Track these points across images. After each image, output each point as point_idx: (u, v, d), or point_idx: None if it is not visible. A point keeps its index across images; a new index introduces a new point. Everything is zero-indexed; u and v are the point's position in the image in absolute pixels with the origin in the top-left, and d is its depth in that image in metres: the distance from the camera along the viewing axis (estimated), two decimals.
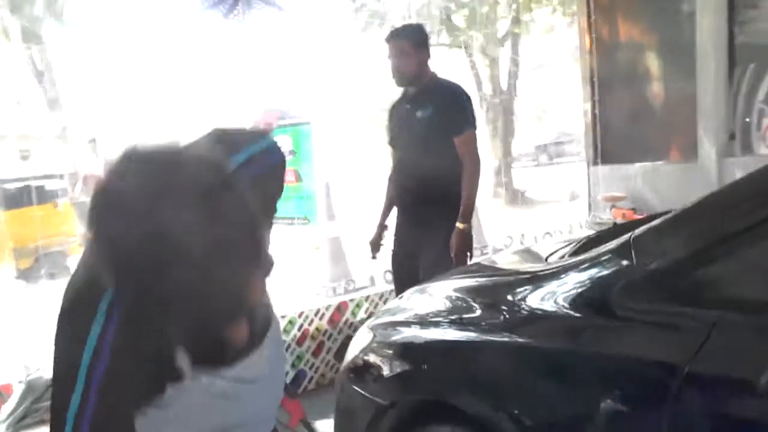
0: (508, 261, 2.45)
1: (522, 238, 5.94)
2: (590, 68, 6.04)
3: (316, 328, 3.96)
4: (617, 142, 6.00)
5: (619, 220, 5.31)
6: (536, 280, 1.65)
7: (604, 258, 1.50)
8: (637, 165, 5.70)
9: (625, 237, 1.46)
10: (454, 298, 1.87)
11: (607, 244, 1.54)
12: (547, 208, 10.19)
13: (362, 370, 1.98)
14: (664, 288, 1.34)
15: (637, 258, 1.39)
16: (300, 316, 4.03)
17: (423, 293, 2.07)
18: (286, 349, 4.07)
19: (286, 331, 4.03)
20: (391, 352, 1.91)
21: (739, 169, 4.93)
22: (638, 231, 1.45)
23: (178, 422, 1.18)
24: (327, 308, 4.15)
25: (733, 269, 1.30)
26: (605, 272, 1.46)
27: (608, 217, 5.62)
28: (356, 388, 1.97)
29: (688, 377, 1.18)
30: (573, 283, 1.52)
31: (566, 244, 2.12)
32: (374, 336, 1.98)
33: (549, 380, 1.44)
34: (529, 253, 2.46)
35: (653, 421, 1.21)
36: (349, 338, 4.13)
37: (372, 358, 1.94)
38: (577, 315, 1.46)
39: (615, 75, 5.96)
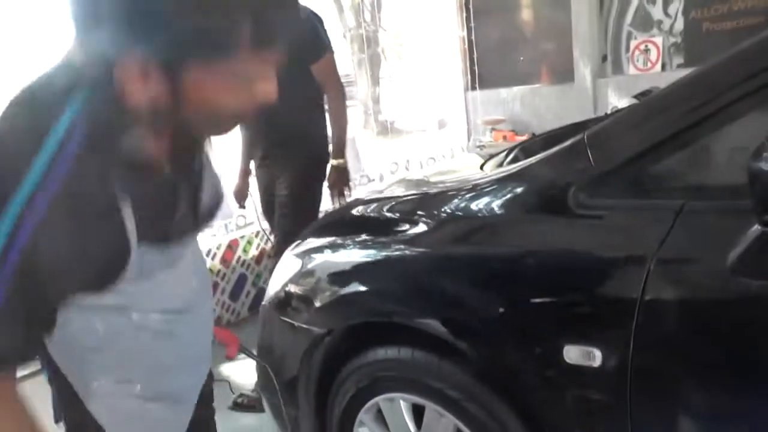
0: (423, 180, 2.40)
1: (407, 164, 5.96)
2: None
3: (210, 269, 3.82)
4: (493, 67, 6.10)
5: (501, 142, 5.45)
6: (480, 188, 1.62)
7: (556, 159, 1.48)
8: (515, 89, 5.84)
9: (578, 137, 1.44)
10: (389, 215, 1.81)
11: (554, 149, 1.52)
12: (418, 136, 10.29)
13: (291, 300, 1.90)
14: (623, 183, 1.34)
15: (593, 156, 1.37)
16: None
17: (354, 212, 1.99)
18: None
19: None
20: (323, 277, 1.83)
21: (611, 88, 5.18)
22: (592, 130, 1.44)
23: (116, 366, 1.13)
24: (218, 247, 4.01)
25: (690, 160, 1.32)
26: (559, 173, 1.44)
27: (489, 140, 5.75)
28: (286, 319, 1.89)
29: (656, 265, 1.20)
30: (525, 187, 1.51)
31: (490, 157, 2.11)
32: (303, 263, 1.88)
33: (508, 286, 1.42)
34: (444, 174, 2.43)
35: (624, 314, 1.22)
36: (243, 277, 4.07)
37: (302, 286, 1.86)
38: (534, 217, 1.44)
39: (489, 2, 6.01)
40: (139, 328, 1.13)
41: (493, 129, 5.82)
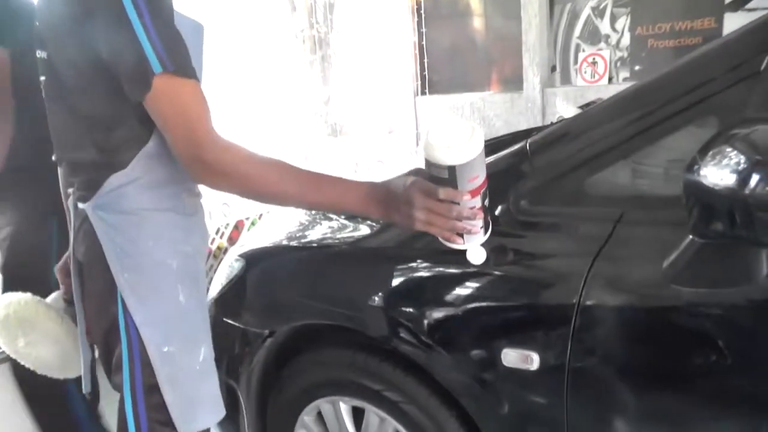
0: None
1: (356, 167, 5.97)
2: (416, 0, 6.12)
3: (218, 247, 3.87)
4: (443, 73, 6.17)
5: None
6: None
7: (498, 166, 1.51)
8: (465, 95, 5.91)
9: (521, 145, 1.48)
10: (334, 216, 1.82)
11: (497, 154, 1.56)
12: (367, 140, 10.29)
13: (233, 301, 1.88)
14: (564, 191, 1.39)
15: (535, 164, 1.41)
16: None
17: (293, 214, 1.99)
18: None
19: None
20: (266, 278, 1.82)
21: (559, 98, 5.30)
22: (534, 138, 1.47)
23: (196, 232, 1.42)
24: (226, 226, 4.03)
25: (630, 170, 1.37)
26: (501, 179, 1.47)
27: None
28: (228, 320, 1.87)
29: (594, 272, 1.24)
30: None
31: None
32: (245, 263, 1.88)
33: (449, 289, 1.44)
34: None
35: (563, 319, 1.26)
36: None
37: (245, 286, 1.85)
38: None
39: (441, 8, 6.08)
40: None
41: None
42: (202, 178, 1.23)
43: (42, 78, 1.35)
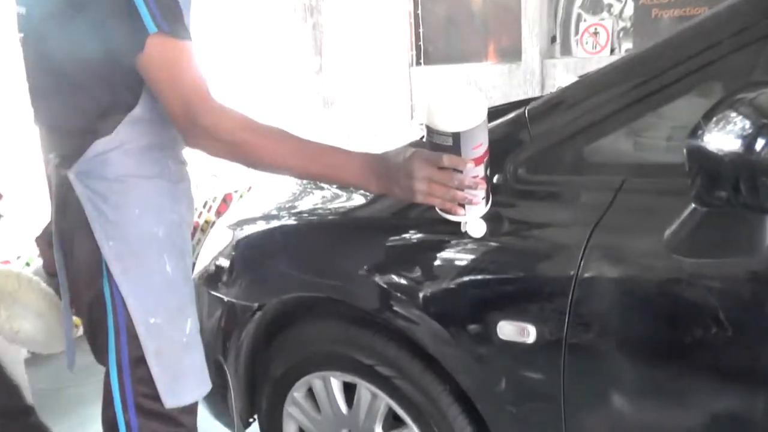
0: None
1: (348, 139, 5.96)
2: None
3: (205, 221, 3.88)
4: (439, 43, 6.13)
5: None
6: None
7: (495, 133, 1.49)
8: (461, 66, 5.88)
9: (519, 111, 1.46)
10: (322, 187, 1.81)
11: (494, 122, 1.54)
12: (361, 111, 10.24)
13: (221, 274, 1.88)
14: (563, 159, 1.38)
15: (533, 131, 1.40)
16: None
17: (283, 185, 1.98)
18: None
19: None
20: (256, 249, 1.82)
21: (559, 69, 5.28)
22: (533, 105, 1.46)
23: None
24: (213, 200, 4.02)
25: (631, 137, 1.36)
26: (498, 147, 1.46)
27: None
28: (215, 294, 1.87)
29: (594, 242, 1.24)
30: None
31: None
32: (234, 234, 1.87)
33: (443, 260, 1.44)
34: None
35: (560, 291, 1.26)
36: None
37: (234, 259, 1.84)
38: None
39: None
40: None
41: None
42: (198, 143, 1.22)
43: (20, 35, 1.32)
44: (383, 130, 6.35)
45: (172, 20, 1.16)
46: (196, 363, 1.40)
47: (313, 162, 1.25)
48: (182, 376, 1.37)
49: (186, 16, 1.23)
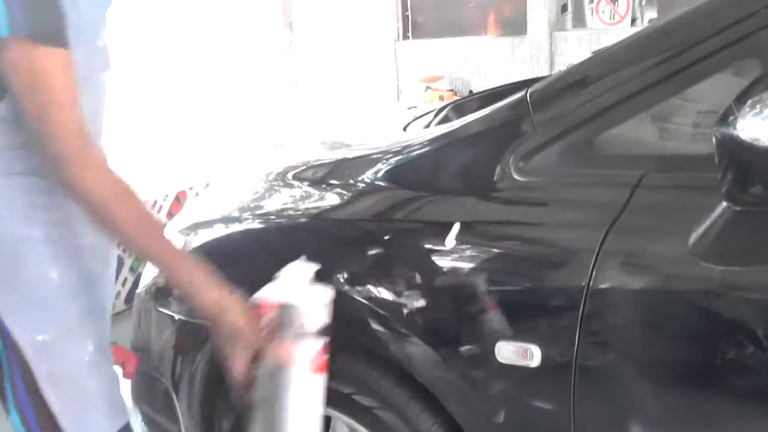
0: (339, 143, 2.39)
1: (322, 123, 5.96)
2: None
3: None
4: (430, 14, 6.14)
5: (437, 104, 5.49)
6: (405, 152, 1.65)
7: (492, 120, 1.51)
8: (456, 40, 5.89)
9: (520, 95, 1.47)
10: (296, 183, 1.81)
11: (491, 107, 1.55)
12: (338, 92, 10.25)
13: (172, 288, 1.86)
14: (572, 150, 1.38)
15: (537, 118, 1.40)
16: None
17: (253, 179, 1.97)
18: (123, 250, 3.96)
19: None
20: (213, 257, 1.79)
21: (571, 43, 5.29)
22: (536, 88, 1.46)
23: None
24: (164, 198, 3.98)
25: (651, 125, 1.37)
26: (496, 136, 1.48)
27: (423, 100, 5.79)
28: (164, 311, 1.86)
29: (608, 247, 1.24)
30: (454, 152, 1.53)
31: (415, 118, 2.13)
32: (187, 241, 1.86)
33: (432, 271, 1.44)
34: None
35: (569, 305, 1.26)
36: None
37: None
38: (465, 189, 1.48)
39: None
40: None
41: (428, 88, 5.86)
42: (53, 172, 1.21)
43: None
44: (364, 114, 6.35)
45: (39, 22, 1.12)
46: (106, 389, 1.38)
47: (155, 243, 1.29)
48: (87, 405, 1.34)
49: (78, 16, 1.19)
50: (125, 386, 2.04)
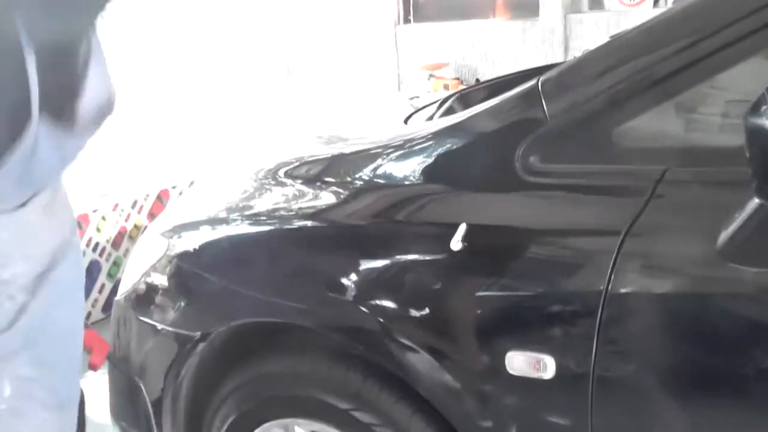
0: (335, 137, 2.38)
1: (316, 116, 5.97)
2: None
3: (135, 225, 3.85)
4: None
5: (441, 93, 5.49)
6: (407, 147, 1.64)
7: (501, 112, 1.50)
8: (462, 24, 5.89)
9: (531, 84, 1.46)
10: (289, 182, 1.80)
11: (499, 98, 1.54)
12: (333, 82, 10.28)
13: (154, 295, 1.87)
14: (588, 143, 1.37)
15: (549, 108, 1.40)
16: (115, 209, 3.91)
17: (243, 176, 1.98)
18: (100, 254, 4.03)
19: (99, 230, 3.87)
20: (198, 262, 1.80)
21: (587, 26, 5.29)
22: (548, 76, 1.46)
23: None
24: (146, 198, 3.99)
25: (675, 115, 1.36)
26: (505, 130, 1.47)
27: (427, 90, 5.79)
28: (146, 320, 1.86)
29: (628, 248, 1.23)
30: (460, 147, 1.54)
31: (417, 109, 2.13)
32: (170, 244, 1.85)
33: (434, 275, 1.44)
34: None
35: (586, 311, 1.25)
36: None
37: (169, 276, 1.83)
38: (471, 185, 1.48)
39: None
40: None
41: (432, 76, 5.86)
42: None
43: None
44: (362, 106, 6.34)
45: None
46: None
47: None
48: None
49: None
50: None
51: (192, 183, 4.14)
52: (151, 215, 4.00)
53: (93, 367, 3.14)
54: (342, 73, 7.86)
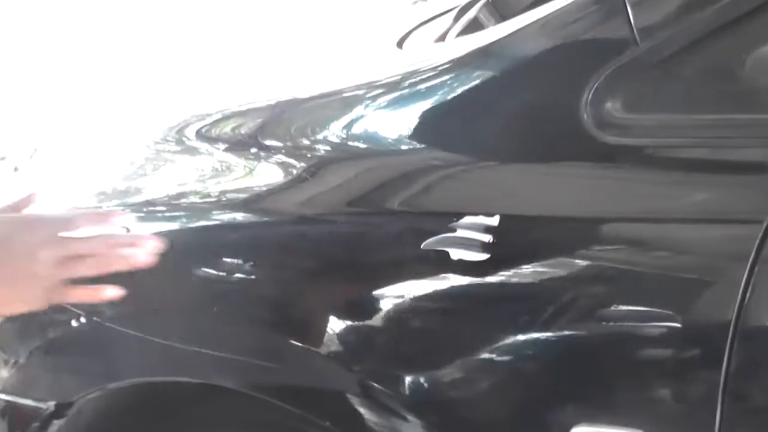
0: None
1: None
2: None
3: None
4: None
5: None
6: (399, 90, 1.67)
7: (561, 26, 1.49)
8: None
9: None
10: (208, 146, 1.83)
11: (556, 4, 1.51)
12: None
13: None
14: (700, 84, 1.37)
15: (638, 20, 1.38)
16: None
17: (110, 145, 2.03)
18: None
19: None
20: None
21: None
22: None
23: None
24: None
25: None
26: (569, 57, 1.47)
27: None
28: None
29: None
30: (496, 88, 1.53)
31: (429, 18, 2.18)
32: None
33: (450, 301, 1.46)
34: None
35: (703, 359, 1.26)
36: None
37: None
38: (514, 154, 1.47)
39: None
40: None
41: None
42: None
43: None
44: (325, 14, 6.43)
45: None
46: None
47: None
48: None
49: None
50: None
51: (35, 150, 4.16)
52: None
53: None
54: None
